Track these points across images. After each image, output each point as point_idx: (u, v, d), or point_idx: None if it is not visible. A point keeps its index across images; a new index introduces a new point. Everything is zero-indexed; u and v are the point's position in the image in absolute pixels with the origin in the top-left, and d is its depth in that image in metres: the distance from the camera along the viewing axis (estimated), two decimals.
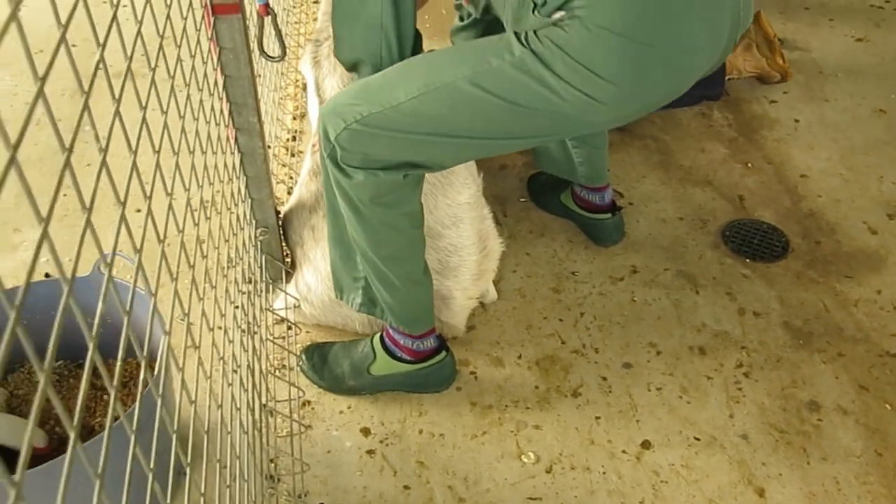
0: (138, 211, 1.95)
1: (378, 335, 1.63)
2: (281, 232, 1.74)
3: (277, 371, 1.65)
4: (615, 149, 2.26)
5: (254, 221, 1.66)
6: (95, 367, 1.62)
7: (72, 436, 0.53)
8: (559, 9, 1.12)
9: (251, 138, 1.52)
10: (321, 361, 1.65)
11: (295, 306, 1.71)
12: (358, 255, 1.47)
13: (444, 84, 1.20)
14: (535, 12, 1.14)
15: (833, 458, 1.52)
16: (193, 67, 1.13)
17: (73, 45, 0.59)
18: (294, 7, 2.70)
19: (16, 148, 0.46)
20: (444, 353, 1.61)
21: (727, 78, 2.48)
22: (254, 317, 1.50)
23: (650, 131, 2.33)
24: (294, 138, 2.27)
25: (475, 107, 1.20)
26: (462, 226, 1.63)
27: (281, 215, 1.75)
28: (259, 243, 1.69)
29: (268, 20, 1.44)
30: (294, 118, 2.35)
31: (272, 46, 1.73)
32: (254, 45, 1.48)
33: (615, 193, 2.09)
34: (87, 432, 1.41)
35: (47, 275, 1.82)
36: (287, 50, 1.69)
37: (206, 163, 1.17)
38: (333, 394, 1.63)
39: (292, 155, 2.20)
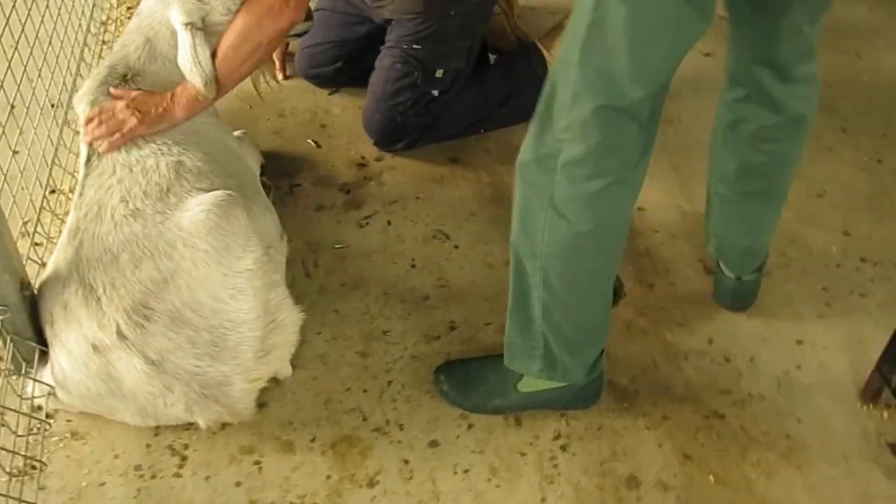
0: None
1: None
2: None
3: (27, 475, 1.41)
4: (446, 183, 2.09)
5: None
6: None
7: None
8: None
9: None
10: (462, 382, 1.58)
11: (50, 394, 1.47)
12: (539, 321, 1.41)
13: None
14: None
15: None
16: None
17: None
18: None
19: None
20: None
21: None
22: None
23: (485, 162, 2.17)
24: (52, 191, 1.89)
25: None
26: (242, 298, 1.43)
27: (35, 286, 1.51)
28: (2, 323, 1.44)
29: None
30: None
31: None
32: None
33: (442, 235, 1.93)
34: None
35: None
36: None
37: None
38: (478, 413, 1.57)
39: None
